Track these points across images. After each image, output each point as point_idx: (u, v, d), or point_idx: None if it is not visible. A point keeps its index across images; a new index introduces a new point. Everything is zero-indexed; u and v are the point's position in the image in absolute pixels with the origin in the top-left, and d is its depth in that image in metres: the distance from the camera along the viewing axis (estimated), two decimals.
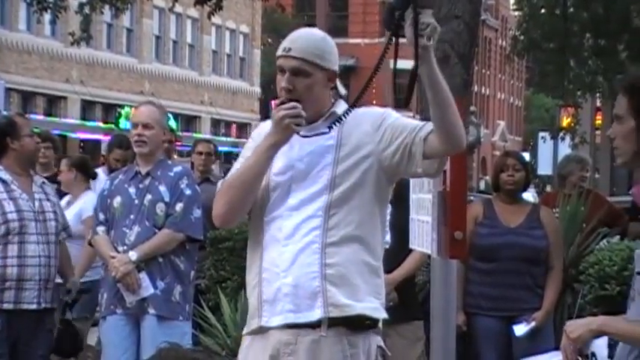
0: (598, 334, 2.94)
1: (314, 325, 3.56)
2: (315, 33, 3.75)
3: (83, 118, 34.58)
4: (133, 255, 5.66)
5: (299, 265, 3.59)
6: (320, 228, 3.59)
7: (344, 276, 3.56)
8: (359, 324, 3.56)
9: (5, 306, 5.63)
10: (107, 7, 16.37)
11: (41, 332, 5.84)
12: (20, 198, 5.76)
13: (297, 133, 3.59)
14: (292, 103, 3.57)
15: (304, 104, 3.58)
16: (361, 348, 3.58)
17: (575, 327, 2.94)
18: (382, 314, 3.59)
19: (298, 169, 3.67)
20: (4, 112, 10.94)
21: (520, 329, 6.05)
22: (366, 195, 3.59)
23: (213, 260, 7.96)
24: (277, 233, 3.63)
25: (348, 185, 3.59)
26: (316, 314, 3.56)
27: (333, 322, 3.54)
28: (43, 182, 6.04)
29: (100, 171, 8.05)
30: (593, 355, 2.92)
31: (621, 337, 2.90)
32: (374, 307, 3.57)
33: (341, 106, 3.69)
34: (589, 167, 7.93)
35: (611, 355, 3.01)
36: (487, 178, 41.37)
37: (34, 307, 5.71)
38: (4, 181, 5.75)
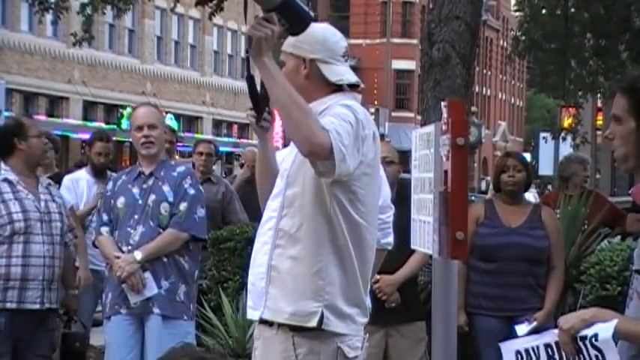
0: (590, 325, 2.94)
1: (271, 323, 3.65)
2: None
3: (85, 119, 34.61)
4: (138, 255, 5.67)
5: (256, 264, 3.73)
6: (273, 229, 3.67)
7: (285, 279, 3.62)
8: (300, 327, 3.60)
9: (8, 305, 5.63)
10: (109, 7, 16.40)
11: (43, 332, 5.82)
12: (26, 198, 5.77)
13: (260, 127, 3.79)
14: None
15: None
16: (310, 349, 3.60)
17: (568, 318, 2.95)
18: (313, 321, 3.58)
19: (282, 167, 3.76)
20: (6, 113, 10.92)
21: (522, 329, 6.06)
22: (307, 196, 3.61)
23: (215, 261, 7.97)
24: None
25: (296, 185, 3.64)
26: (258, 314, 3.69)
27: (281, 323, 3.62)
28: (49, 183, 6.03)
29: (84, 172, 7.94)
30: (594, 336, 2.88)
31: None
32: (309, 312, 3.58)
33: (334, 99, 3.65)
34: (589, 167, 7.95)
35: None
36: (488, 178, 41.40)
37: (37, 307, 5.70)
38: (10, 182, 5.76)
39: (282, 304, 3.61)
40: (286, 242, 3.63)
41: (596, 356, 2.82)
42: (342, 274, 3.63)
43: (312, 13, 3.52)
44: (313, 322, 3.58)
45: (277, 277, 3.63)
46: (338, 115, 3.50)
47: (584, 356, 2.86)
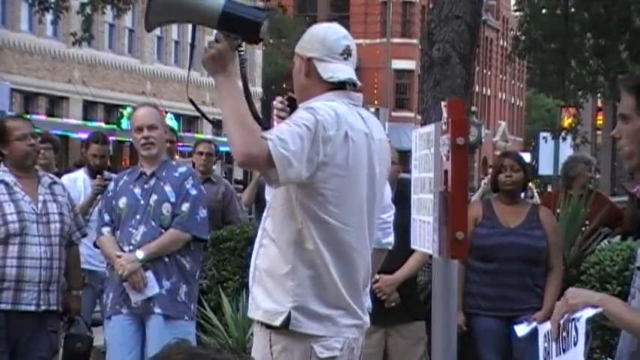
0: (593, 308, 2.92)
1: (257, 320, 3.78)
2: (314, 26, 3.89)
3: (85, 119, 34.62)
4: (140, 254, 5.68)
5: (251, 263, 3.85)
6: (262, 229, 3.79)
7: (263, 278, 3.72)
8: (271, 325, 3.71)
9: (3, 306, 5.58)
10: (109, 7, 16.41)
11: (41, 334, 5.75)
12: (23, 200, 5.73)
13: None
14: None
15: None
16: (284, 346, 3.67)
17: (577, 294, 2.91)
18: (278, 321, 3.65)
19: None
20: (9, 113, 10.94)
21: (521, 329, 6.04)
22: (278, 199, 3.68)
23: (215, 260, 7.98)
24: None
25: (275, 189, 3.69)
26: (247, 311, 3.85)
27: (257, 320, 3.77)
28: (54, 182, 5.95)
29: (82, 172, 7.94)
30: (579, 318, 2.86)
31: (614, 317, 2.88)
32: (276, 312, 3.66)
33: (321, 99, 3.67)
34: (594, 167, 7.95)
35: (611, 356, 3.01)
36: (486, 180, 41.35)
37: (32, 308, 5.64)
38: (6, 184, 5.73)
39: (259, 301, 3.73)
40: (267, 242, 3.73)
41: (574, 337, 2.82)
42: (314, 276, 3.65)
43: (262, 14, 3.52)
44: (278, 322, 3.65)
45: (259, 276, 3.75)
46: (293, 120, 3.52)
47: (562, 337, 2.85)
